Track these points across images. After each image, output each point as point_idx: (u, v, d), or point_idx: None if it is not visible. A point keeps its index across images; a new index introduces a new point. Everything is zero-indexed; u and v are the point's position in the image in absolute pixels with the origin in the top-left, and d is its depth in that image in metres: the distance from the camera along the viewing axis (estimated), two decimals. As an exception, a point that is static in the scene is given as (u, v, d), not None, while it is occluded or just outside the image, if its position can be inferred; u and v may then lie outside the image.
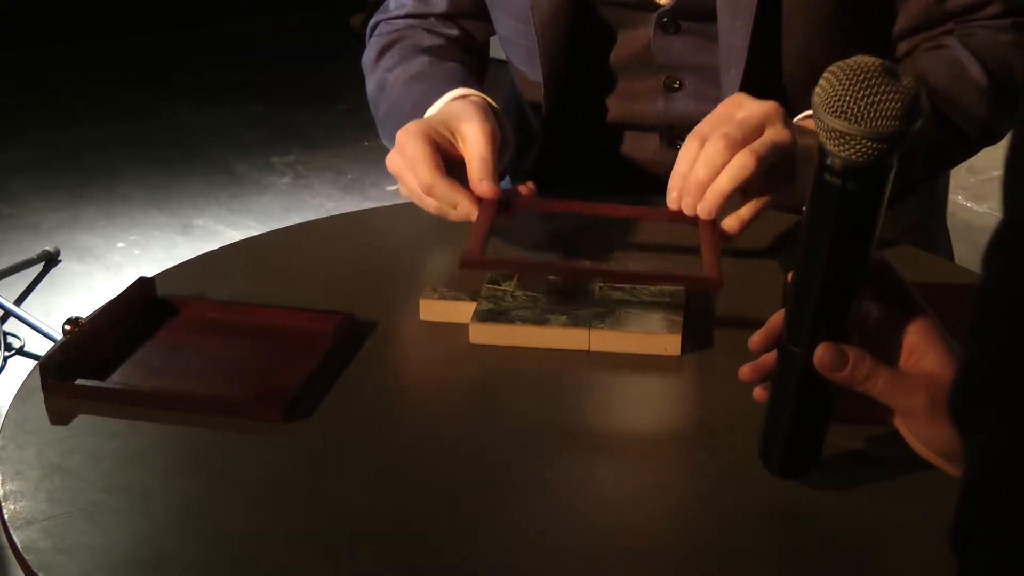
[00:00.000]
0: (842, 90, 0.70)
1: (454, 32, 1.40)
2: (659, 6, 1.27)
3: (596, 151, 1.37)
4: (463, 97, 1.21)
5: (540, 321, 1.01)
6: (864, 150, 0.71)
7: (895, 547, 0.80)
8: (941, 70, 1.20)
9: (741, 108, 1.09)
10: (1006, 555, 0.51)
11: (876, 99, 0.70)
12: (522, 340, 1.01)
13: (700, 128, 1.09)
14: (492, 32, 1.44)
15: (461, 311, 1.04)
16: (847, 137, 0.71)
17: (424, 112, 1.21)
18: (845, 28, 1.23)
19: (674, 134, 1.33)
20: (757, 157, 1.04)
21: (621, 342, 1.00)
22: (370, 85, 1.37)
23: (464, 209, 1.08)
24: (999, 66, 1.21)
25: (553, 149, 1.37)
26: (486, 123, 1.13)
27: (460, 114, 1.14)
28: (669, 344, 1.00)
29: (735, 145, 1.04)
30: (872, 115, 0.70)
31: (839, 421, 0.81)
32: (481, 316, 1.02)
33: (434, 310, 1.05)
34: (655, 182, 1.34)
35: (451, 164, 1.11)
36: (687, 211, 1.07)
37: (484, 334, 1.02)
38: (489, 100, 1.21)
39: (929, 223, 1.39)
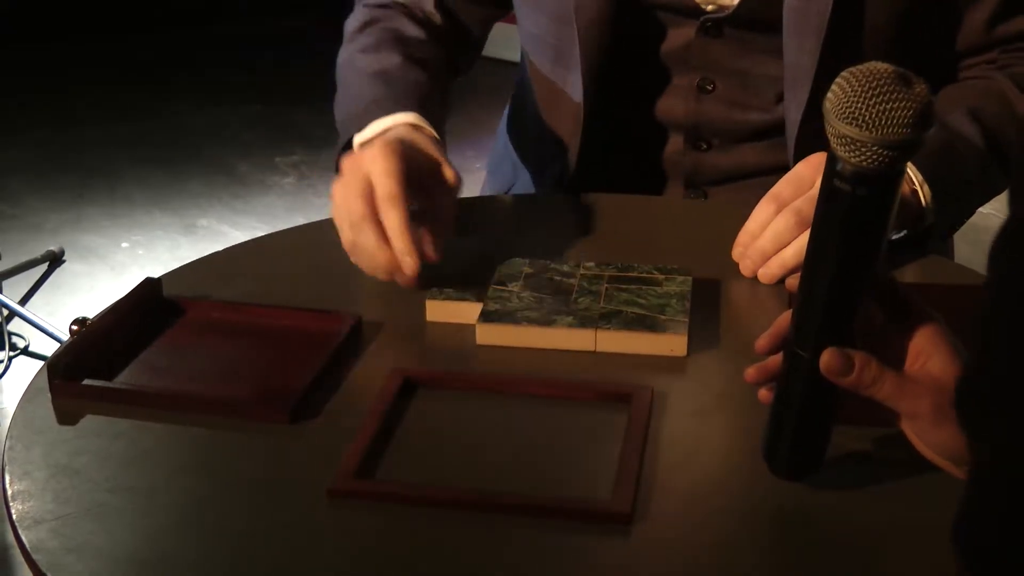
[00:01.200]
0: (854, 96, 0.70)
1: (439, 21, 1.34)
2: (704, 12, 1.24)
3: (619, 149, 1.35)
4: (416, 127, 1.18)
5: (547, 322, 1.02)
6: (875, 157, 0.71)
7: (898, 549, 0.80)
8: (991, 102, 1.21)
9: (820, 175, 1.08)
10: (1009, 554, 0.52)
11: (888, 106, 0.70)
12: (529, 341, 1.01)
13: (778, 190, 1.12)
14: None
15: (468, 312, 1.04)
16: (858, 143, 0.71)
17: (373, 119, 1.20)
18: (913, 47, 1.20)
19: (699, 135, 1.31)
20: None
21: (627, 343, 1.00)
22: (342, 55, 1.35)
23: (407, 273, 1.05)
24: None
25: (592, 149, 1.34)
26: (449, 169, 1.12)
27: (429, 149, 1.13)
28: (675, 345, 1.00)
29: (804, 224, 1.07)
30: (884, 122, 0.70)
31: (843, 422, 0.81)
32: (488, 317, 1.03)
33: (440, 311, 1.06)
34: (670, 181, 1.34)
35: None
36: (746, 273, 1.12)
37: (491, 335, 1.02)
38: (436, 135, 1.18)
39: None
